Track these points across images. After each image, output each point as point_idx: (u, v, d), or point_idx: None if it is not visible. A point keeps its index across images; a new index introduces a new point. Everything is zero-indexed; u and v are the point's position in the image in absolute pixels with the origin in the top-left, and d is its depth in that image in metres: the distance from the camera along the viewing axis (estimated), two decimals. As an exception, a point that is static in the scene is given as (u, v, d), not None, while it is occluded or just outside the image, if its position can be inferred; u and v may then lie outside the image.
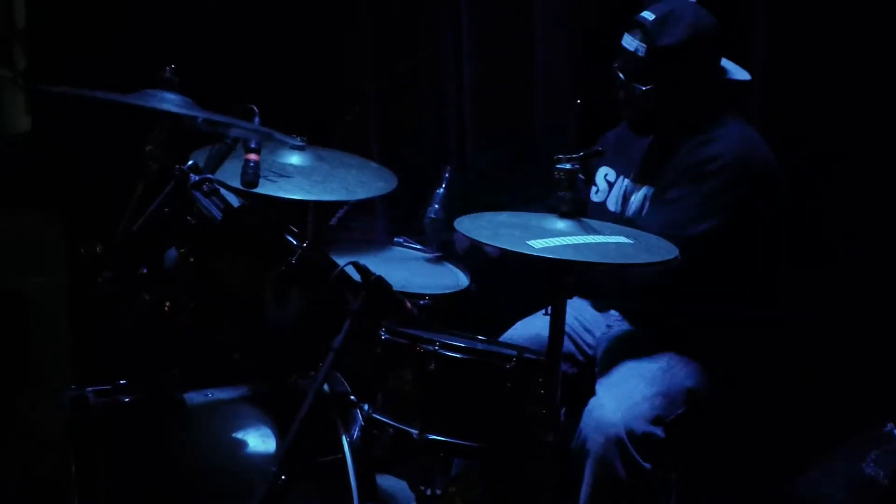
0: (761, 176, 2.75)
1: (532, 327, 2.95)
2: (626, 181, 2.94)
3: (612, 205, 2.96)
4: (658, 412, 2.67)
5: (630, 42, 2.77)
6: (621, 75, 2.81)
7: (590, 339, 2.99)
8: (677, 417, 2.71)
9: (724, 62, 2.84)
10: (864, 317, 3.01)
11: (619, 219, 2.90)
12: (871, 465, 2.68)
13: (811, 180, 2.99)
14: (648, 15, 2.76)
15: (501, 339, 2.93)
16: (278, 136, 2.67)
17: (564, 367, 2.75)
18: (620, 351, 2.86)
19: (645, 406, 2.67)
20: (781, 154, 2.82)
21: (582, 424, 2.67)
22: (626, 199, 2.92)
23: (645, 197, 2.86)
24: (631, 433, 2.61)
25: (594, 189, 3.02)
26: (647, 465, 2.62)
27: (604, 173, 3.01)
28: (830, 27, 2.99)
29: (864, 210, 3.03)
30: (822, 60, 3.01)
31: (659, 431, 2.66)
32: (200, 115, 2.49)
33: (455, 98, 3.72)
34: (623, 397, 2.68)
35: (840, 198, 3.04)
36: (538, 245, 2.30)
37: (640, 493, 2.63)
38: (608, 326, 2.98)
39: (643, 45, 2.75)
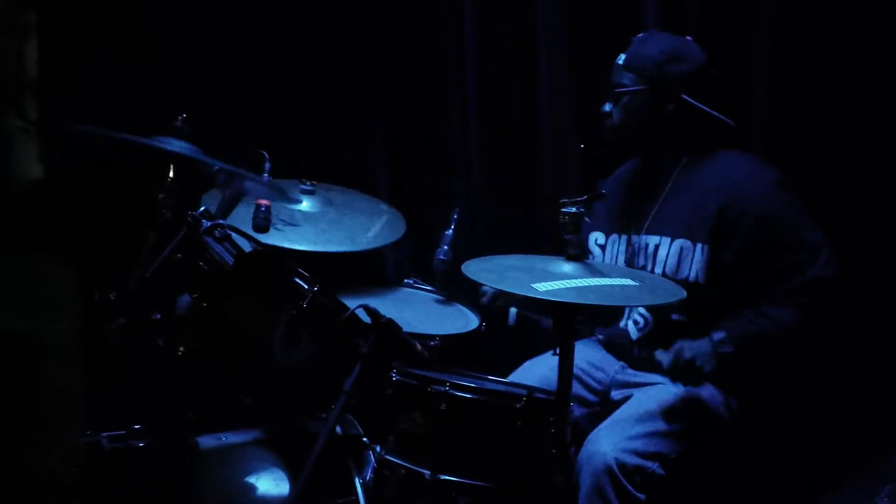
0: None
1: (539, 368, 2.97)
2: (623, 237, 2.98)
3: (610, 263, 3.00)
4: (655, 449, 2.68)
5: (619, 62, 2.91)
6: (606, 106, 2.93)
7: (601, 377, 2.99)
8: (681, 455, 2.71)
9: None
10: (873, 346, 3.01)
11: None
12: (885, 500, 2.67)
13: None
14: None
15: (508, 379, 2.93)
16: (289, 194, 2.71)
17: (574, 407, 2.76)
18: (630, 388, 2.90)
19: (639, 442, 2.67)
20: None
21: (578, 457, 2.69)
22: (632, 250, 2.95)
23: (682, 249, 2.84)
24: (622, 465, 2.62)
25: (591, 256, 3.06)
26: (641, 496, 2.63)
27: (594, 238, 3.06)
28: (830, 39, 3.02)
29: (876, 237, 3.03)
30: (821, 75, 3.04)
31: (654, 466, 2.66)
32: (214, 164, 2.53)
33: (462, 139, 3.75)
34: (618, 431, 2.69)
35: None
36: (542, 288, 2.32)
37: None
38: (622, 367, 2.99)
39: (624, 54, 2.90)
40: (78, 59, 3.64)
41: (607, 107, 2.93)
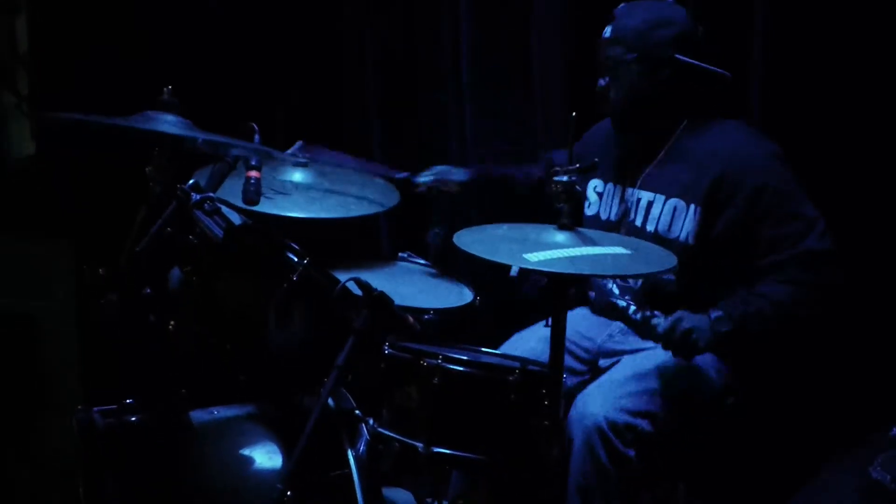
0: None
1: (528, 341, 2.97)
2: (619, 187, 2.96)
3: (605, 214, 2.99)
4: (645, 407, 2.68)
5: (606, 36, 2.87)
6: (601, 82, 2.90)
7: (588, 345, 2.99)
8: (670, 414, 2.71)
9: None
10: (867, 320, 2.99)
11: (617, 225, 2.93)
12: (879, 469, 2.66)
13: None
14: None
15: (498, 351, 2.92)
16: (277, 153, 2.68)
17: (564, 377, 2.74)
18: (618, 356, 2.90)
19: (629, 400, 2.68)
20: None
21: (569, 418, 2.69)
22: (625, 205, 2.93)
23: (675, 208, 2.83)
24: (613, 424, 2.62)
25: (587, 203, 3.04)
26: (630, 453, 2.63)
27: (593, 186, 3.04)
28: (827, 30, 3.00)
29: (865, 210, 3.01)
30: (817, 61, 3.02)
31: (644, 424, 2.66)
32: (200, 136, 2.51)
33: (456, 109, 3.74)
34: (608, 391, 2.70)
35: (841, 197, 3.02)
36: (534, 258, 2.31)
37: (624, 479, 2.64)
38: (609, 336, 2.98)
39: (609, 27, 2.86)
40: (68, 40, 3.64)
41: (602, 82, 2.90)
